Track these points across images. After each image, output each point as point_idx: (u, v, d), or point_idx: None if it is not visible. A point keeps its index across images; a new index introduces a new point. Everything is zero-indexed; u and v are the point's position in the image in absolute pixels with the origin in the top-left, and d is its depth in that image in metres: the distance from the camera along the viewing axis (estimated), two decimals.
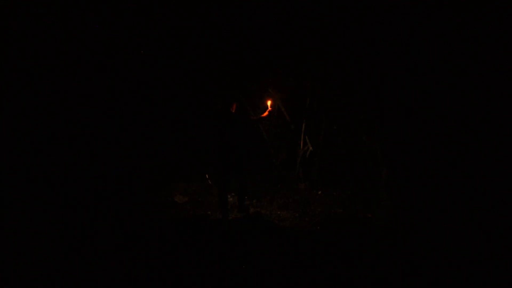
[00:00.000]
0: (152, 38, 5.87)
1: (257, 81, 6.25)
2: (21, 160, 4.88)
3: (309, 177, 6.40)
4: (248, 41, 5.90)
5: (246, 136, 5.06)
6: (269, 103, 5.03)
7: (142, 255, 3.84)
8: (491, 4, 4.16)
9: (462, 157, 4.35)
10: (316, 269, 3.54)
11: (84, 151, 5.57)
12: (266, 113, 5.04)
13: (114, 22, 5.56)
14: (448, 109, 4.49)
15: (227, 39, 5.98)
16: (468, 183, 4.25)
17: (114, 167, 5.87)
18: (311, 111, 6.30)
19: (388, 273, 3.40)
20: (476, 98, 4.34)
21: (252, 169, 5.82)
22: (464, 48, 4.37)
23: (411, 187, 4.66)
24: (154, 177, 6.47)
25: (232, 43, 5.99)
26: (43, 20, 4.95)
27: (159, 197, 5.89)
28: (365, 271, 3.45)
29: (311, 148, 6.29)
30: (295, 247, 4.09)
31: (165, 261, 3.75)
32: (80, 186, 5.27)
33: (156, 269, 3.58)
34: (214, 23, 5.85)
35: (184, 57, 6.25)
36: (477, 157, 4.26)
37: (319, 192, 6.00)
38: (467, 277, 3.26)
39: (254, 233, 4.52)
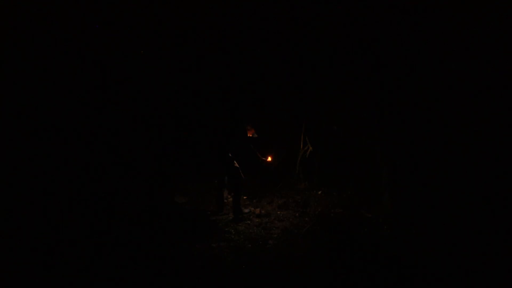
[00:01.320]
0: (159, 39, 5.87)
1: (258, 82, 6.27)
2: (22, 160, 4.88)
3: (309, 177, 6.40)
4: (248, 42, 5.90)
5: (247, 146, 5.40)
6: (269, 158, 5.94)
7: (141, 255, 3.84)
8: (491, 4, 4.16)
9: (461, 157, 4.35)
10: (315, 269, 3.54)
11: (83, 151, 5.57)
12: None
13: (114, 22, 5.55)
14: (448, 109, 4.50)
15: (226, 40, 5.98)
16: (468, 183, 4.26)
17: (114, 167, 5.86)
18: (311, 111, 6.30)
19: (388, 273, 3.40)
20: (476, 98, 4.35)
21: (248, 173, 5.89)
22: (463, 48, 4.38)
23: (411, 187, 4.66)
24: (154, 177, 6.47)
25: (232, 43, 5.98)
26: (43, 20, 4.95)
27: (158, 197, 5.89)
28: (365, 271, 3.45)
29: (311, 148, 6.29)
30: (295, 247, 4.09)
31: (164, 260, 3.75)
32: (80, 185, 5.26)
33: (155, 268, 3.58)
34: (214, 24, 5.85)
35: (184, 57, 6.26)
36: (476, 157, 4.27)
37: (319, 192, 6.00)
38: (467, 277, 3.27)
39: (254, 233, 4.53)
